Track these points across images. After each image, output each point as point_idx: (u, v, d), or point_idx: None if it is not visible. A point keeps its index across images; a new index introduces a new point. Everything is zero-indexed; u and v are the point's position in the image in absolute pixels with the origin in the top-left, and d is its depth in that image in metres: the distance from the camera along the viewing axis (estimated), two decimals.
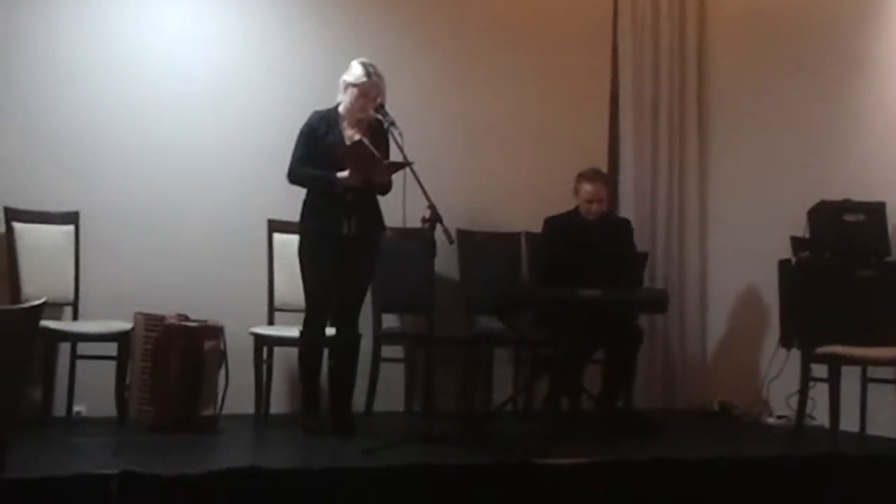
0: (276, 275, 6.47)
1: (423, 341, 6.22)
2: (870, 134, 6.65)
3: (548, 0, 7.44)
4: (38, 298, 2.80)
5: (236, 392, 5.98)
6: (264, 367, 6.22)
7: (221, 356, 5.93)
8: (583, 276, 6.22)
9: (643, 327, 6.71)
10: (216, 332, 5.92)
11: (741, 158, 7.45)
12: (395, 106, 5.73)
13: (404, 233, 5.93)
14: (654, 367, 7.43)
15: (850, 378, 6.13)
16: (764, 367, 6.92)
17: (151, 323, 5.89)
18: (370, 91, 5.68)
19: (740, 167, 7.46)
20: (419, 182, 5.45)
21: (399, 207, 5.51)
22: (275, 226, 6.48)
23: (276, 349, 6.25)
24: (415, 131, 5.70)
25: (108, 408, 5.94)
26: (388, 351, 6.70)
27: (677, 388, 7.50)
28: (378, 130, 5.73)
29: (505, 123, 7.23)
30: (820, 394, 6.23)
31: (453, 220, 5.97)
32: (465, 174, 7.02)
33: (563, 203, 6.61)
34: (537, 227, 6.72)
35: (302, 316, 5.90)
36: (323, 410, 5.89)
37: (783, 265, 6.50)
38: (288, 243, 6.22)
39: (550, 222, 6.61)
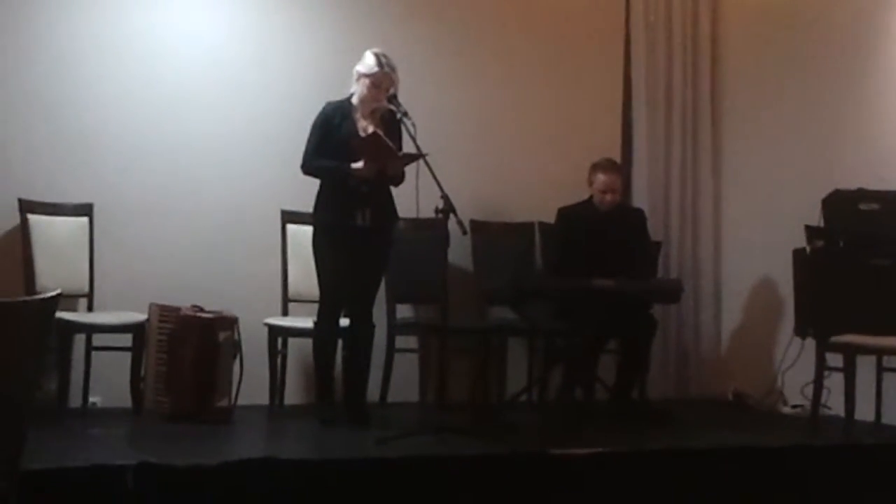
0: (290, 266, 6.48)
1: (438, 332, 6.23)
2: (884, 123, 6.62)
3: None
4: (53, 290, 2.81)
5: (251, 383, 5.99)
6: (279, 357, 6.23)
7: (236, 347, 5.93)
8: (596, 266, 6.22)
9: (657, 317, 6.70)
10: (231, 323, 5.93)
11: (755, 148, 7.43)
12: (409, 96, 5.73)
13: (418, 223, 5.94)
14: (668, 356, 7.42)
15: (865, 367, 6.12)
16: (779, 356, 6.91)
17: (166, 314, 5.90)
18: (383, 81, 5.67)
19: (754, 157, 7.44)
20: (432, 173, 5.44)
21: (413, 198, 5.51)
22: (288, 217, 6.49)
23: (291, 340, 6.26)
24: (428, 122, 5.69)
25: (124, 399, 5.95)
26: (402, 341, 6.70)
27: (691, 377, 7.49)
28: (391, 121, 5.73)
29: (518, 114, 7.22)
30: (835, 383, 6.22)
31: (467, 210, 5.96)
32: (479, 165, 7.01)
33: (576, 193, 6.61)
34: (551, 218, 6.72)
35: (316, 307, 5.90)
36: (337, 401, 5.90)
37: (797, 254, 6.48)
38: (302, 234, 6.22)
39: (564, 212, 6.60)
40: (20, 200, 5.99)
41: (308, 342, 6.02)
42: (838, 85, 6.87)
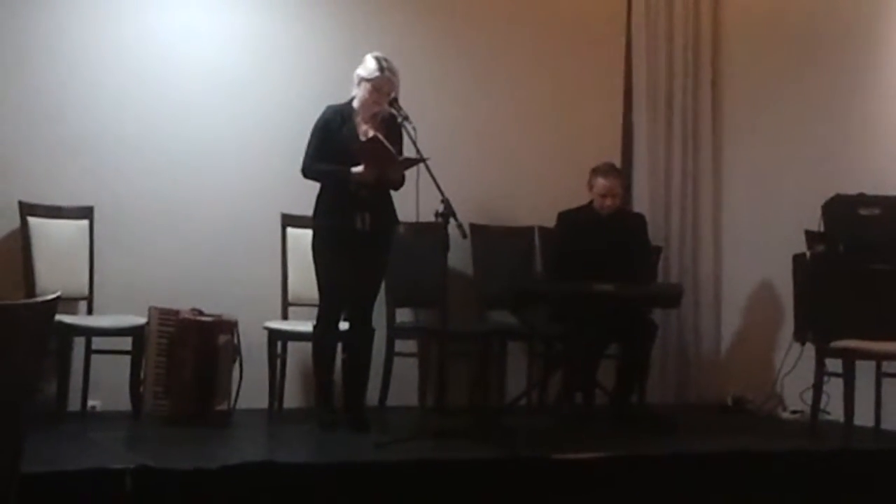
0: (289, 269, 6.48)
1: (437, 336, 6.22)
2: (885, 128, 6.63)
3: None
4: (53, 293, 2.81)
5: (250, 386, 5.99)
6: (278, 361, 6.22)
7: (235, 351, 5.94)
8: (596, 270, 6.22)
9: (657, 322, 6.70)
10: (230, 326, 5.93)
11: (755, 152, 7.43)
12: (409, 100, 5.73)
13: (418, 227, 5.93)
14: (667, 361, 7.41)
15: (864, 373, 6.11)
16: (778, 361, 6.90)
17: (166, 317, 5.90)
18: (384, 85, 5.67)
19: (754, 161, 7.44)
20: (432, 176, 5.45)
21: (412, 202, 5.51)
22: (288, 220, 6.49)
23: (290, 344, 6.26)
24: (428, 126, 5.69)
25: (123, 402, 5.95)
26: (402, 345, 6.70)
27: (691, 382, 7.49)
28: (392, 125, 5.73)
29: (519, 119, 7.22)
30: (834, 388, 6.21)
31: (467, 214, 5.96)
32: (479, 168, 7.01)
33: (576, 197, 6.61)
34: (551, 222, 6.72)
35: (316, 310, 5.90)
36: (337, 405, 5.90)
37: (797, 259, 6.48)
38: (302, 238, 6.22)
39: (564, 216, 6.60)
40: (20, 203, 5.99)
41: (308, 346, 6.02)
42: (839, 90, 6.87)
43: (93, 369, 6.02)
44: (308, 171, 5.77)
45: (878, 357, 6.10)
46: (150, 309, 5.95)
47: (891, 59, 6.65)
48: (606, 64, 7.52)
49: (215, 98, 6.55)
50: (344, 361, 5.93)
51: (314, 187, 5.82)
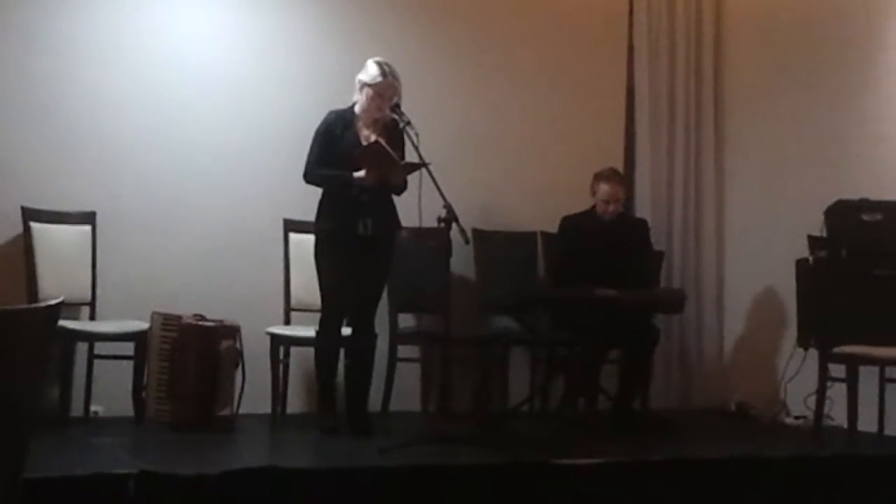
0: (292, 275, 6.48)
1: (440, 341, 6.22)
2: (887, 133, 6.62)
3: None
4: (56, 298, 2.80)
5: (253, 392, 5.99)
6: (281, 366, 6.22)
7: (238, 356, 5.93)
8: (599, 275, 6.22)
9: (659, 327, 6.70)
10: (233, 331, 5.93)
11: (758, 157, 7.43)
12: (411, 105, 5.73)
13: (420, 232, 5.92)
14: (670, 366, 7.41)
15: (867, 378, 6.11)
16: (781, 366, 6.89)
17: (168, 323, 5.90)
18: (386, 91, 5.67)
19: (757, 166, 7.44)
20: (435, 181, 5.45)
21: (415, 207, 5.51)
22: (291, 225, 6.49)
23: (293, 349, 6.25)
24: (430, 131, 5.70)
25: (126, 408, 5.95)
26: (405, 351, 6.70)
27: (694, 387, 7.48)
28: (394, 130, 5.72)
29: (520, 122, 7.22)
30: (838, 394, 6.21)
31: (469, 219, 5.96)
32: (481, 173, 7.01)
33: (579, 202, 6.61)
34: (553, 227, 6.72)
35: (318, 316, 5.90)
36: (339, 410, 5.89)
37: (800, 264, 6.48)
38: (304, 243, 6.22)
39: (566, 222, 6.60)
40: (23, 208, 5.99)
41: (310, 351, 6.02)
42: (842, 95, 6.87)
43: (95, 374, 6.02)
44: (310, 176, 5.77)
45: (882, 362, 6.10)
46: (153, 314, 5.95)
47: (893, 66, 6.64)
48: (608, 69, 7.52)
49: (218, 103, 6.56)
50: (346, 367, 5.93)
51: (316, 192, 5.82)
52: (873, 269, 6.24)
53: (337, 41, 6.76)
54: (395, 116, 5.68)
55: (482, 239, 6.89)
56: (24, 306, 2.73)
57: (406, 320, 6.77)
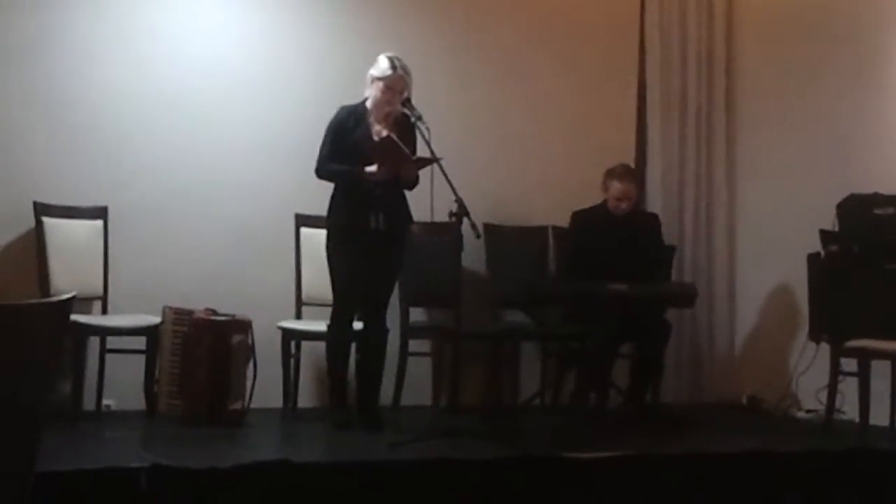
0: (303, 269, 6.49)
1: (451, 335, 6.23)
2: None
3: None
4: (68, 293, 2.81)
5: (264, 386, 6.00)
6: (292, 361, 6.23)
7: (249, 350, 5.94)
8: (610, 270, 6.22)
9: (671, 321, 6.69)
10: (244, 326, 5.94)
11: (769, 152, 7.42)
12: (422, 100, 5.73)
13: (431, 227, 5.93)
14: (682, 361, 7.40)
15: (879, 372, 6.10)
16: (793, 361, 6.89)
17: (180, 317, 5.92)
18: (396, 85, 5.67)
19: (769, 160, 7.42)
20: (446, 176, 5.44)
21: (426, 202, 5.51)
22: (302, 220, 6.49)
23: (304, 343, 6.26)
24: (441, 125, 5.70)
25: (138, 402, 5.97)
26: (416, 345, 6.70)
27: (706, 382, 7.47)
28: (405, 125, 5.73)
29: (532, 117, 7.22)
30: (849, 388, 6.20)
31: (480, 214, 5.95)
32: (492, 168, 7.01)
33: (590, 197, 6.60)
34: (565, 221, 6.71)
35: (329, 310, 5.91)
36: (350, 404, 5.90)
37: (812, 259, 6.47)
38: (315, 238, 6.23)
39: (578, 216, 6.60)
40: (35, 203, 6.00)
41: (321, 345, 6.02)
42: (853, 89, 6.85)
43: (107, 369, 6.03)
44: (322, 171, 5.78)
45: (894, 356, 6.08)
46: (165, 309, 5.97)
47: None
48: (620, 63, 7.51)
49: (229, 99, 6.56)
50: (358, 361, 5.94)
51: (328, 187, 5.82)
52: (885, 263, 6.23)
53: (349, 36, 6.76)
54: (407, 111, 5.68)
55: (493, 233, 6.89)
56: (37, 301, 2.73)
57: (417, 315, 6.78)
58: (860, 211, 6.36)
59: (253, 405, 5.93)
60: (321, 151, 5.77)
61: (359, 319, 5.89)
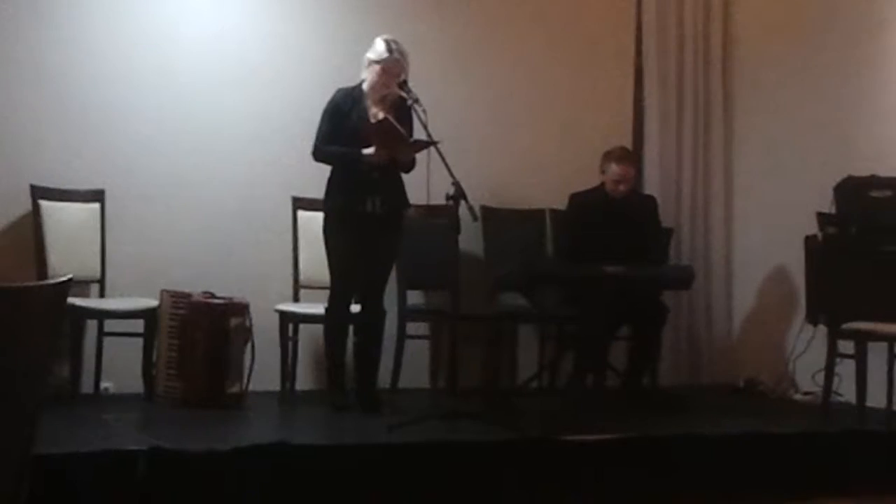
0: (300, 252, 6.49)
1: (448, 318, 6.22)
2: None
3: None
4: (65, 276, 2.81)
5: (262, 369, 6.00)
6: (290, 344, 6.23)
7: (247, 333, 5.95)
8: (608, 252, 6.22)
9: (668, 304, 6.70)
10: (242, 309, 5.94)
11: (767, 134, 7.41)
12: (419, 82, 5.72)
13: (429, 210, 5.92)
14: (679, 343, 7.41)
15: (876, 354, 6.10)
16: (790, 343, 6.90)
17: (177, 300, 5.91)
18: (393, 68, 5.66)
19: (766, 142, 7.42)
20: (443, 159, 5.44)
21: (423, 184, 5.50)
22: (299, 203, 6.49)
23: (302, 326, 6.26)
24: (438, 108, 5.68)
25: (136, 384, 5.97)
26: (413, 328, 6.71)
27: (703, 364, 7.48)
28: (402, 107, 5.72)
29: (529, 99, 7.21)
30: (846, 370, 6.21)
31: (477, 196, 5.95)
32: (490, 151, 7.00)
33: (588, 179, 6.60)
34: (562, 204, 6.71)
35: (327, 293, 5.91)
36: (348, 387, 5.91)
37: (809, 241, 6.47)
38: (313, 220, 6.22)
39: (576, 199, 6.60)
40: (32, 186, 6.00)
41: (319, 328, 6.03)
42: (851, 71, 6.84)
43: (105, 352, 6.04)
44: (318, 154, 5.77)
45: (890, 338, 6.08)
46: (162, 292, 5.96)
47: None
48: (617, 45, 7.50)
49: (226, 81, 6.55)
50: (355, 344, 5.94)
51: (325, 170, 5.82)
52: (882, 245, 6.24)
53: (345, 19, 6.73)
54: (403, 94, 5.67)
55: (491, 216, 6.88)
56: (33, 283, 2.73)
57: (415, 297, 6.78)
58: (857, 193, 6.37)
59: (251, 388, 5.94)
60: (318, 134, 5.76)
61: (356, 302, 5.89)
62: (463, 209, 5.50)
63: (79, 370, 5.86)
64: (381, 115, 5.66)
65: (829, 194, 6.45)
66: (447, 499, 4.75)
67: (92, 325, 6.03)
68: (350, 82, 5.82)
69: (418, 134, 5.66)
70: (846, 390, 6.30)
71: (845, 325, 6.10)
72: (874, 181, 6.37)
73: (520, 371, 6.89)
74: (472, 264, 6.81)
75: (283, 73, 6.66)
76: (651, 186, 7.39)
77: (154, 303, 5.96)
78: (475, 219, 5.59)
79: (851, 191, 6.39)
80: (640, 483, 5.03)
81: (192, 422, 5.44)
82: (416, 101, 5.60)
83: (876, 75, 6.73)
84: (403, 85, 5.66)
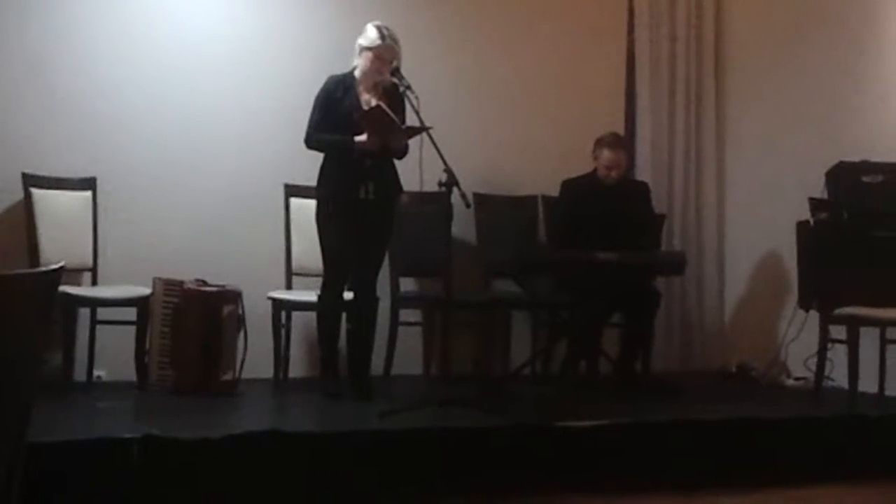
0: (293, 239, 6.48)
1: (441, 305, 6.23)
2: (889, 95, 6.61)
3: None
4: (57, 264, 2.81)
5: (255, 356, 6.00)
6: (283, 331, 6.24)
7: (240, 321, 5.95)
8: (600, 238, 6.22)
9: (660, 290, 6.71)
10: (234, 296, 5.94)
11: (759, 119, 7.42)
12: (411, 69, 5.71)
13: (421, 197, 5.93)
14: (671, 329, 7.43)
15: (868, 339, 6.12)
16: (782, 328, 6.91)
17: (170, 288, 5.91)
18: (385, 54, 5.66)
19: (758, 128, 7.42)
20: (435, 146, 5.43)
21: (416, 171, 5.50)
22: (292, 190, 6.49)
23: (295, 313, 6.27)
24: (430, 94, 5.68)
25: (128, 372, 5.97)
26: (406, 314, 6.71)
27: (695, 350, 7.50)
28: (394, 94, 5.71)
29: (521, 85, 7.20)
30: (838, 355, 6.23)
31: (470, 183, 5.95)
32: (482, 137, 7.00)
33: (580, 165, 6.60)
34: (555, 190, 6.71)
35: (320, 280, 5.91)
36: (341, 374, 5.91)
37: (801, 227, 6.48)
38: (305, 208, 6.22)
39: (568, 185, 6.60)
40: (24, 174, 5.99)
41: (312, 315, 6.03)
42: (842, 57, 6.85)
43: (98, 340, 6.04)
44: (311, 142, 5.76)
45: (882, 324, 6.11)
46: (155, 280, 5.96)
47: (894, 28, 6.61)
48: (608, 29, 7.49)
49: (219, 69, 6.54)
50: (348, 331, 5.94)
51: (317, 157, 5.81)
52: (874, 230, 6.25)
53: (337, 6, 6.72)
54: (395, 80, 5.66)
55: (483, 203, 6.89)
56: (25, 271, 2.73)
57: (407, 284, 6.78)
58: (849, 179, 6.38)
59: (244, 375, 5.94)
60: (310, 122, 5.75)
61: (349, 289, 5.89)
62: (455, 196, 5.49)
63: (71, 358, 5.85)
64: (373, 102, 5.65)
65: (821, 180, 6.46)
66: (440, 485, 4.75)
67: (84, 314, 6.02)
68: (342, 69, 5.81)
69: (411, 120, 5.65)
70: (838, 375, 6.32)
71: (837, 311, 6.11)
72: (866, 166, 6.38)
73: (513, 358, 6.90)
74: (465, 251, 6.82)
75: (275, 60, 6.65)
76: (643, 172, 7.40)
77: (146, 291, 5.95)
78: (468, 205, 5.59)
79: (843, 176, 6.40)
80: (633, 469, 5.04)
81: (185, 409, 5.44)
82: (409, 87, 5.59)
83: (868, 62, 6.73)
84: (396, 72, 5.65)
